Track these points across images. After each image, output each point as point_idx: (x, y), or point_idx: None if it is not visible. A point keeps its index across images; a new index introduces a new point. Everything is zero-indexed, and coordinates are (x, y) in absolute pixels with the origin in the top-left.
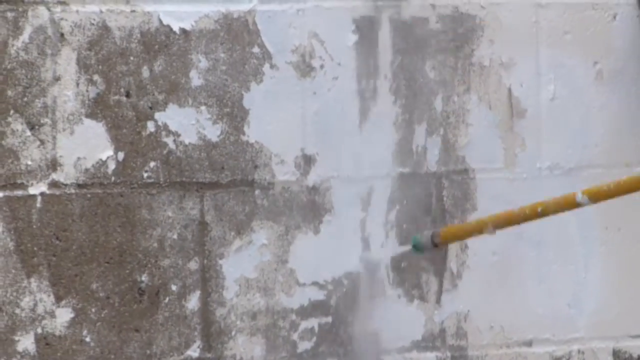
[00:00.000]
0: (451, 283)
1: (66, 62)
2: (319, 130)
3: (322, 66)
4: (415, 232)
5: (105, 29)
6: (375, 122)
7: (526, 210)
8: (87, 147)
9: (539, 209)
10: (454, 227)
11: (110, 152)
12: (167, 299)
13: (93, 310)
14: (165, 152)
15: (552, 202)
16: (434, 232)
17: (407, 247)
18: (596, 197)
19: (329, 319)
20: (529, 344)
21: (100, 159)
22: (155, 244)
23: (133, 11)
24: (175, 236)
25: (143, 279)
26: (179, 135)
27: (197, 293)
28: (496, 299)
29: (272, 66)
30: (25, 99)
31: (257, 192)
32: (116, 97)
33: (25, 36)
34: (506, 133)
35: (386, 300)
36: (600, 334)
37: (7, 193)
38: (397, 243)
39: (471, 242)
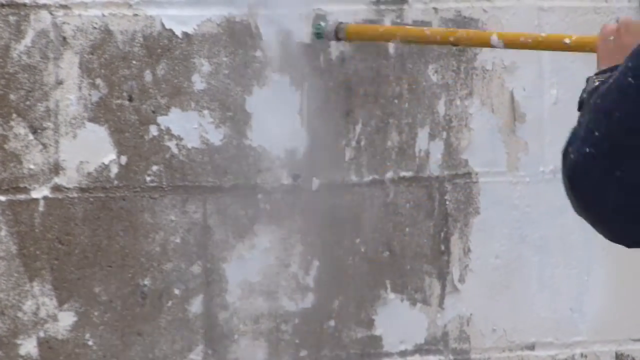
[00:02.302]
0: (454, 286)
1: (69, 66)
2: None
3: None
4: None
5: (107, 32)
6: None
7: (438, 35)
8: (89, 151)
9: (451, 38)
10: (362, 26)
11: (113, 156)
12: (170, 302)
13: (96, 313)
14: (167, 156)
15: (465, 33)
16: (340, 24)
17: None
18: (511, 43)
19: (332, 323)
20: (532, 347)
21: (103, 163)
22: (158, 248)
23: (135, 15)
24: (178, 240)
25: (146, 282)
26: (181, 139)
27: (200, 297)
28: (499, 303)
29: (274, 70)
30: (28, 102)
31: (259, 196)
32: (119, 101)
33: (27, 40)
34: (509, 137)
35: (389, 304)
36: (603, 338)
37: (10, 197)
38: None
39: (474, 246)
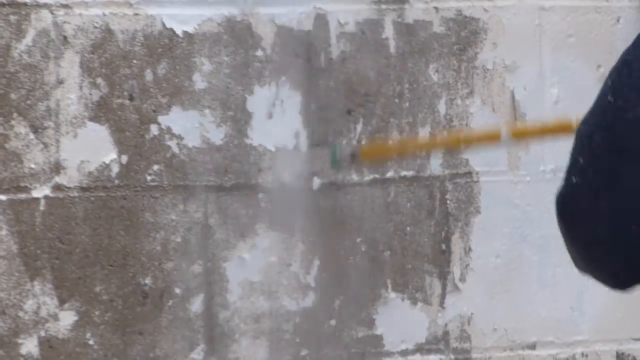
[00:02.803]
0: (455, 286)
1: (69, 65)
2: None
3: None
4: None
5: (108, 32)
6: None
7: (449, 139)
8: (90, 150)
9: (461, 138)
10: (376, 145)
11: (114, 156)
12: (171, 302)
13: (97, 313)
14: (168, 155)
15: (474, 133)
16: (356, 147)
17: (325, 153)
18: (519, 135)
19: (333, 322)
20: (533, 346)
21: (104, 162)
22: (159, 247)
23: (136, 14)
24: (178, 239)
25: (147, 282)
26: (182, 139)
27: (201, 296)
28: (500, 302)
29: (275, 69)
30: (29, 102)
31: (260, 195)
32: (119, 101)
33: (28, 39)
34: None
35: (389, 303)
36: (604, 337)
37: (11, 196)
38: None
39: (475, 245)
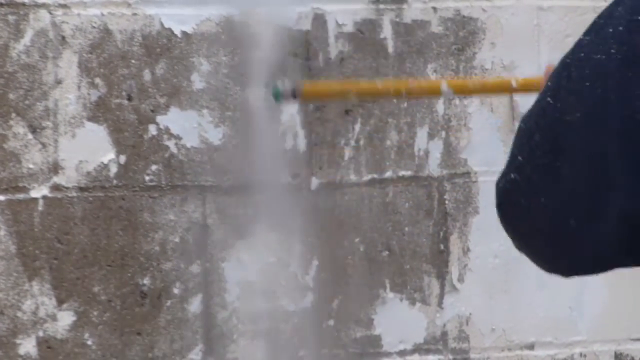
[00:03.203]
0: (453, 286)
1: (68, 65)
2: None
3: None
4: None
5: (106, 32)
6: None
7: (391, 87)
8: (88, 150)
9: (403, 89)
10: (319, 83)
11: (112, 156)
12: (169, 302)
13: (95, 313)
14: (167, 155)
15: (417, 85)
16: (297, 83)
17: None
18: (460, 90)
19: (331, 322)
20: (531, 347)
21: (102, 162)
22: (157, 247)
23: (134, 14)
24: (177, 239)
25: (145, 282)
26: (180, 139)
27: (199, 296)
28: (498, 302)
29: (273, 69)
30: (27, 102)
31: (258, 195)
32: (118, 101)
33: (26, 39)
34: (508, 136)
35: (388, 303)
36: (602, 337)
37: (9, 196)
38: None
39: (473, 245)
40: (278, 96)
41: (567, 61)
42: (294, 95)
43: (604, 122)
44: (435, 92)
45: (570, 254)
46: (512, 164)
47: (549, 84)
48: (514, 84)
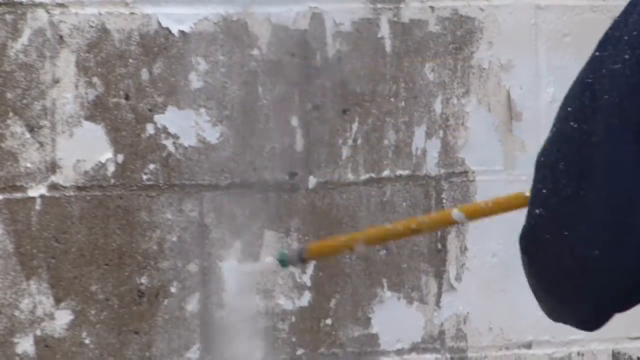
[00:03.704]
0: (450, 285)
1: (65, 65)
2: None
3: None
4: None
5: (104, 31)
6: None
7: (399, 227)
8: (86, 149)
9: (413, 226)
10: (323, 243)
11: (110, 155)
12: (167, 301)
13: (92, 312)
14: (164, 154)
15: (427, 218)
16: (302, 248)
17: (272, 261)
18: (472, 214)
19: (329, 321)
20: (529, 345)
21: (100, 162)
22: (155, 246)
23: (132, 13)
24: (174, 238)
25: (142, 281)
26: (178, 138)
27: (197, 295)
28: (496, 301)
29: (270, 68)
30: (25, 101)
31: (256, 194)
32: (115, 100)
33: (24, 39)
34: (505, 135)
35: (385, 302)
36: (600, 336)
37: (7, 195)
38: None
39: (471, 244)
40: (285, 262)
41: (587, 81)
42: (301, 259)
43: (622, 132)
44: (447, 223)
45: (592, 291)
46: (536, 199)
47: (569, 109)
48: (526, 196)
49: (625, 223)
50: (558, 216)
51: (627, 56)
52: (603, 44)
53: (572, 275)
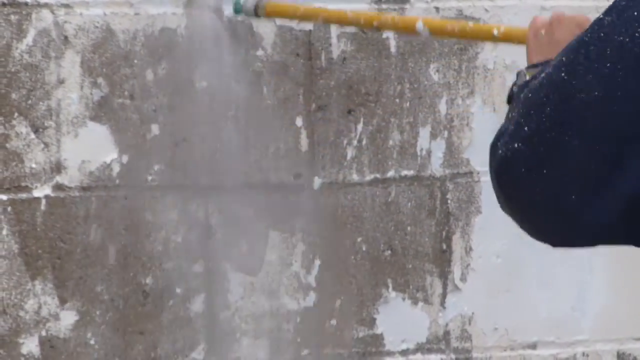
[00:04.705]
0: (455, 285)
1: (70, 65)
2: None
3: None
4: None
5: (109, 31)
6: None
7: (361, 17)
8: (91, 150)
9: (375, 22)
10: (282, 5)
11: (115, 155)
12: (172, 301)
13: (97, 312)
14: (169, 155)
15: (390, 19)
16: (260, 1)
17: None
18: (437, 31)
19: (334, 321)
20: (534, 346)
21: (105, 162)
22: (160, 247)
23: (137, 14)
24: (179, 239)
25: (147, 281)
26: (183, 138)
27: (202, 296)
28: (500, 302)
29: (275, 69)
30: (30, 102)
31: (261, 195)
32: (120, 100)
33: (29, 39)
34: None
35: (390, 303)
36: (605, 337)
37: (12, 196)
38: None
39: (475, 245)
40: (239, 9)
41: (584, 39)
42: (257, 11)
43: (625, 105)
44: (410, 30)
45: (564, 228)
46: (518, 133)
47: (563, 59)
48: (495, 32)
49: (607, 179)
50: (538, 156)
51: (637, 34)
52: (609, 11)
53: (544, 210)
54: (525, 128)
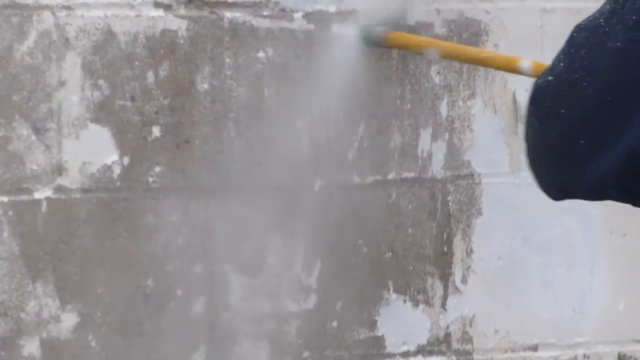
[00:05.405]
0: (456, 288)
1: (71, 67)
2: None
3: None
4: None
5: (110, 33)
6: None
7: (472, 51)
8: (92, 151)
9: (483, 55)
10: (402, 34)
11: (116, 157)
12: (173, 303)
13: (98, 314)
14: (170, 156)
15: (496, 55)
16: (382, 31)
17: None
18: (538, 72)
19: (335, 323)
20: (535, 348)
21: (106, 164)
22: (161, 249)
23: (138, 16)
24: (180, 241)
25: (148, 283)
26: (184, 140)
27: (203, 298)
28: (501, 304)
29: (276, 71)
30: (31, 103)
31: (262, 197)
32: (121, 102)
33: (30, 41)
34: (511, 138)
35: (391, 305)
36: (606, 339)
37: (13, 198)
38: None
39: (476, 247)
40: (368, 39)
41: None
42: (379, 43)
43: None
44: (512, 68)
45: (566, 172)
46: (554, 67)
47: (608, 6)
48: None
49: (616, 129)
50: (561, 93)
51: None
52: None
53: (555, 149)
54: (561, 64)
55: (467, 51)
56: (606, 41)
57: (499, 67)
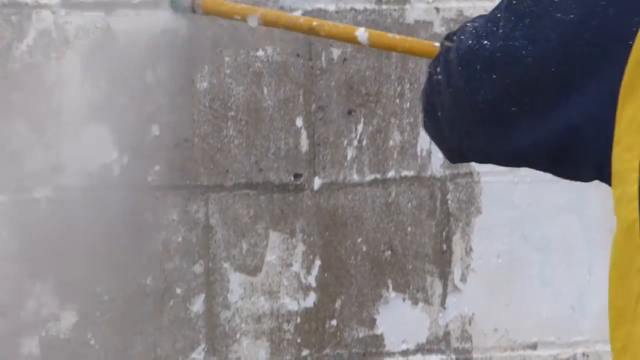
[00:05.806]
0: (455, 286)
1: (70, 66)
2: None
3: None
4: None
5: (109, 32)
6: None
7: (300, 20)
8: (91, 150)
9: (314, 24)
10: (217, 1)
11: (115, 156)
12: (172, 302)
13: (97, 313)
14: (169, 155)
15: (330, 25)
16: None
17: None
18: (377, 41)
19: (334, 322)
20: (534, 347)
21: (105, 163)
22: (160, 247)
23: (137, 15)
24: (179, 239)
25: (148, 282)
26: (183, 139)
27: (202, 296)
28: (501, 302)
29: (275, 69)
30: (30, 102)
31: (261, 195)
32: (120, 101)
33: (29, 39)
34: None
35: (390, 303)
36: (605, 337)
37: (11, 197)
38: None
39: (476, 245)
40: (175, 5)
41: None
42: (193, 9)
43: (596, 32)
44: (350, 37)
45: (488, 134)
46: (492, 32)
47: None
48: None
49: (554, 104)
50: (494, 57)
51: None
52: None
53: (481, 112)
54: (500, 31)
55: (293, 20)
56: (554, 12)
57: (334, 37)
